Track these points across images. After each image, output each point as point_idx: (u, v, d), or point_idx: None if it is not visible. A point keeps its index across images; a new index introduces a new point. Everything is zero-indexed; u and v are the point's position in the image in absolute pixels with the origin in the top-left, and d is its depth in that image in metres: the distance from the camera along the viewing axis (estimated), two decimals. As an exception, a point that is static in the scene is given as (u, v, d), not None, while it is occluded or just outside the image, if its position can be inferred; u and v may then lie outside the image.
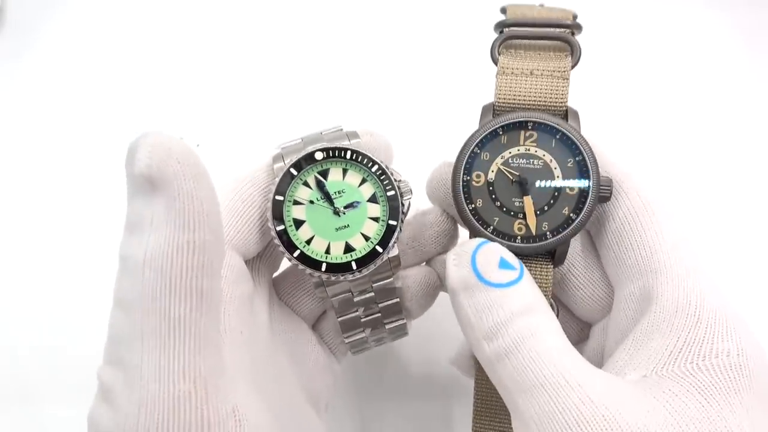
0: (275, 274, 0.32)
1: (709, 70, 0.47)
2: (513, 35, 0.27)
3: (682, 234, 0.26)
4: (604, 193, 0.26)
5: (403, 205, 0.29)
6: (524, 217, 0.27)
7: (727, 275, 0.39)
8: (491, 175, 0.27)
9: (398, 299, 0.30)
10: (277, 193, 0.28)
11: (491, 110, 0.28)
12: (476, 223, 0.27)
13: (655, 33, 0.49)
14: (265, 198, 0.28)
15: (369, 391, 0.38)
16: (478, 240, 0.26)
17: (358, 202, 0.29)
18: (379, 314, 0.31)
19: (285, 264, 0.31)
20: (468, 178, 0.27)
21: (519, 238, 0.27)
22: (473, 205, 0.27)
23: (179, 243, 0.20)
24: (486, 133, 0.27)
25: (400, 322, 0.31)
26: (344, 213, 0.29)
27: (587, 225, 0.27)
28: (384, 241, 0.28)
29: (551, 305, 0.27)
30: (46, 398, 0.38)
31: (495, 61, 0.28)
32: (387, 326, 0.31)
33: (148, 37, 0.50)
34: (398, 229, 0.28)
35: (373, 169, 0.29)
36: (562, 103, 0.27)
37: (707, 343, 0.23)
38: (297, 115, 0.46)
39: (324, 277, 0.28)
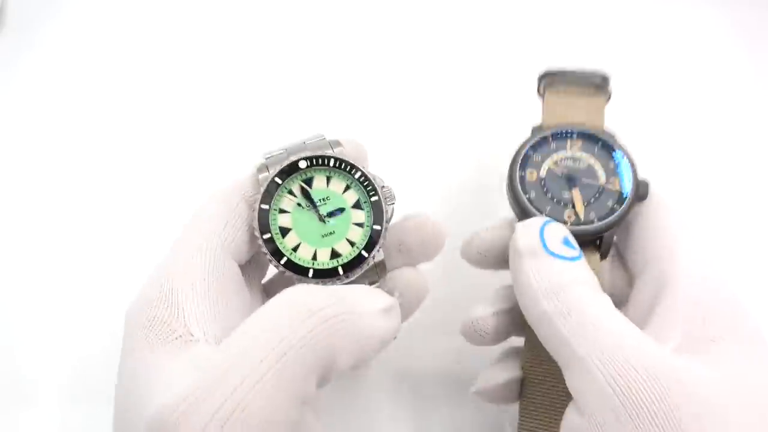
0: (264, 281, 0.32)
1: (708, 69, 0.48)
2: (556, 80, 0.33)
3: (696, 225, 0.29)
4: (642, 193, 0.30)
5: (386, 210, 0.29)
6: (573, 207, 0.30)
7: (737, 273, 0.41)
8: (543, 172, 0.31)
9: (385, 303, 0.31)
10: (262, 202, 0.29)
11: (539, 128, 0.32)
12: (533, 208, 0.30)
13: (654, 31, 0.49)
14: (251, 208, 0.29)
15: (366, 392, 0.39)
16: (545, 218, 0.29)
17: (342, 209, 0.29)
18: (367, 318, 0.31)
19: (273, 270, 0.31)
20: (522, 173, 0.31)
21: (569, 223, 0.30)
22: (528, 196, 0.31)
23: None
24: (537, 138, 0.32)
25: (388, 325, 0.32)
26: (329, 220, 0.29)
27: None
28: (369, 246, 0.29)
29: None
30: (46, 397, 0.38)
31: (541, 96, 0.33)
32: (375, 329, 0.32)
33: (148, 38, 0.50)
34: (382, 234, 0.29)
35: (357, 176, 0.29)
36: (599, 126, 0.32)
37: (729, 314, 0.25)
38: (285, 122, 0.46)
39: (312, 283, 0.29)
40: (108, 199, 0.43)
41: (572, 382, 0.24)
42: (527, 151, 0.31)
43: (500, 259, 0.31)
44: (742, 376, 0.23)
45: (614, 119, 0.45)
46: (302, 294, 0.24)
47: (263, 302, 0.30)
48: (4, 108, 0.47)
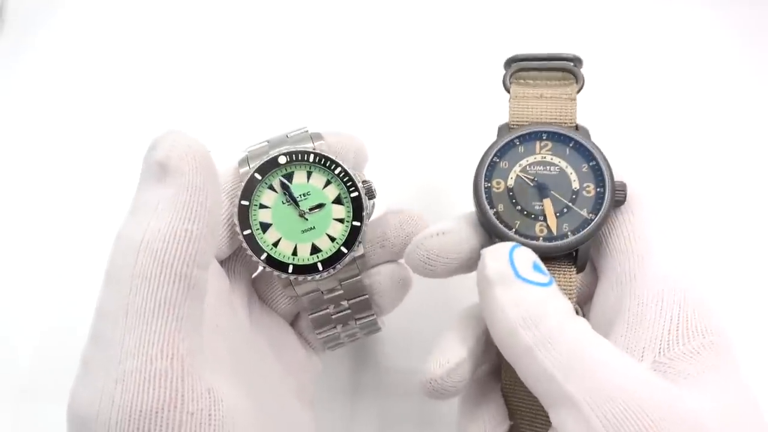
0: (255, 274, 0.33)
1: (707, 68, 0.46)
2: (522, 67, 0.30)
3: (668, 223, 0.27)
4: (619, 197, 0.28)
5: (367, 206, 0.29)
6: (545, 219, 0.28)
7: (725, 275, 0.40)
8: (510, 182, 0.29)
9: (367, 296, 0.31)
10: (242, 198, 0.29)
11: (506, 128, 0.30)
12: (500, 225, 0.28)
13: (653, 30, 0.48)
14: (231, 202, 0.29)
15: (357, 390, 0.39)
16: (512, 243, 0.26)
17: (323, 204, 0.29)
18: (349, 310, 0.31)
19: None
20: (488, 185, 0.29)
21: (541, 238, 0.28)
22: (495, 210, 0.28)
23: (178, 230, 0.22)
24: (504, 143, 0.29)
25: (371, 317, 0.32)
26: (310, 215, 0.29)
27: None
28: (349, 242, 0.29)
29: (576, 311, 0.27)
30: (46, 396, 0.39)
31: (507, 90, 0.30)
32: (358, 322, 0.32)
33: (147, 37, 0.50)
34: (362, 229, 0.29)
35: (336, 171, 0.29)
36: (571, 120, 0.29)
37: (700, 320, 0.24)
38: (272, 117, 0.46)
39: (291, 278, 0.29)
40: (108, 198, 0.43)
41: (560, 420, 0.23)
42: (493, 158, 0.29)
43: (448, 268, 0.28)
44: (728, 401, 0.22)
45: (614, 120, 0.44)
46: None
47: (249, 296, 0.31)
48: (4, 108, 0.47)
